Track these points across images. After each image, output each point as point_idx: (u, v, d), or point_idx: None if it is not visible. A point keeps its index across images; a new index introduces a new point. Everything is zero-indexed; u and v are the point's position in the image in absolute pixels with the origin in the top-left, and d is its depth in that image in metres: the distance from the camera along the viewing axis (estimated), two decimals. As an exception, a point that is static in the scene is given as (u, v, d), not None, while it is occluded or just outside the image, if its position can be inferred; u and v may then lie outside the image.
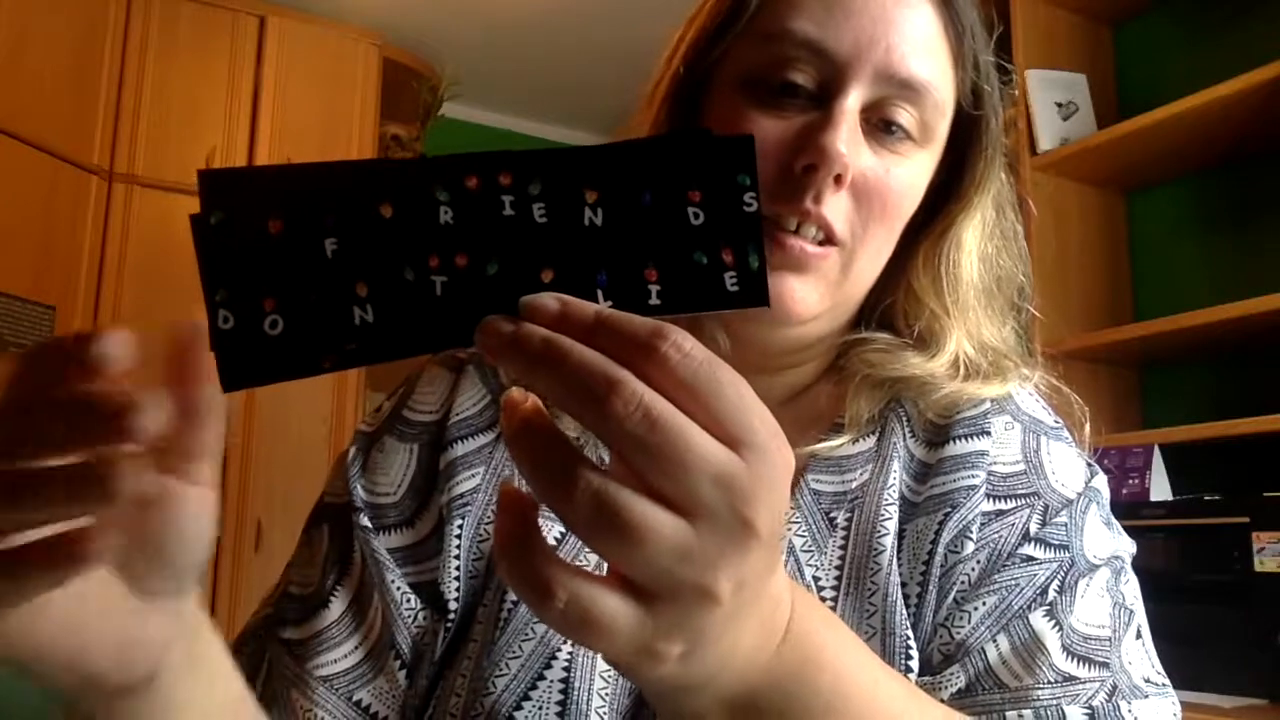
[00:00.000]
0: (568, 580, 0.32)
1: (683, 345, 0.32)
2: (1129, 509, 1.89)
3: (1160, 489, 1.93)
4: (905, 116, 0.57)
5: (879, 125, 0.57)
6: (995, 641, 0.54)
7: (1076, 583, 0.56)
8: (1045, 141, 2.20)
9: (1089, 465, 0.64)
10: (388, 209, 0.35)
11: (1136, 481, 1.93)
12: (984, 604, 0.55)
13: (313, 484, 2.77)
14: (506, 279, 0.35)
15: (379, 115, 3.38)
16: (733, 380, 0.33)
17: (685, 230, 0.35)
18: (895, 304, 0.63)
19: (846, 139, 0.54)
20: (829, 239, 0.56)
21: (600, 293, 0.35)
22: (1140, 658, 0.56)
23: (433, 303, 0.34)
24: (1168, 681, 0.57)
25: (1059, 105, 2.24)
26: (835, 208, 0.55)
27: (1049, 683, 0.53)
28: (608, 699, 0.55)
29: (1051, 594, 0.56)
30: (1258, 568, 1.66)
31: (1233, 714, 1.58)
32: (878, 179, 0.57)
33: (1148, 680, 0.55)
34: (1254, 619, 1.67)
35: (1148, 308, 2.25)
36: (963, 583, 0.56)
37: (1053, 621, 0.55)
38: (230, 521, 2.95)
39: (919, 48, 0.57)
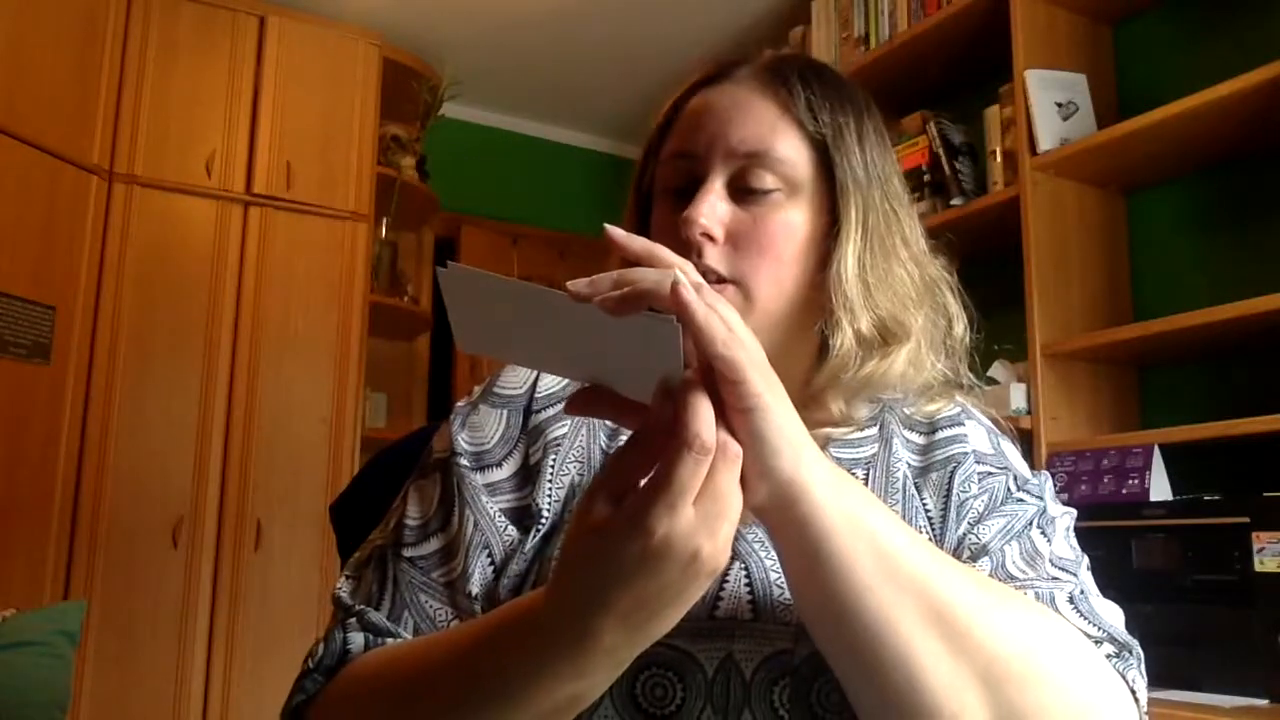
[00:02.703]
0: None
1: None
2: (1129, 509, 1.89)
3: (1160, 489, 1.92)
4: (762, 178, 0.76)
5: (745, 192, 0.76)
6: (1010, 547, 0.74)
7: (1054, 522, 0.77)
8: (1045, 141, 2.20)
9: (1028, 456, 0.84)
10: None
11: (1136, 481, 1.93)
12: (996, 523, 0.76)
13: (313, 484, 2.79)
14: None
15: (379, 115, 3.38)
16: None
17: None
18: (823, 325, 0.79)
19: (704, 209, 0.74)
20: (721, 279, 0.74)
21: None
22: (1091, 583, 0.75)
23: None
24: (1099, 595, 0.75)
25: (1059, 105, 2.24)
26: (714, 256, 0.74)
27: (1043, 579, 0.72)
28: None
29: (1039, 524, 0.76)
30: (1258, 568, 1.66)
31: (1233, 714, 1.58)
32: (747, 227, 0.75)
33: (1100, 595, 0.74)
34: (1254, 619, 1.67)
35: (1147, 308, 2.26)
36: (973, 512, 0.77)
37: (1045, 541, 0.75)
38: (230, 521, 2.95)
39: (754, 128, 0.76)
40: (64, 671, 2.06)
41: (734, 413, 0.52)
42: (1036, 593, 0.71)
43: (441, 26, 3.56)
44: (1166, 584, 1.79)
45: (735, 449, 0.51)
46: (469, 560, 0.74)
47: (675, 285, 0.50)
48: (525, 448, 0.79)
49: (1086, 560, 0.77)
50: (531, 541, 0.75)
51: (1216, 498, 1.79)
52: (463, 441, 0.79)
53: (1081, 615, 0.70)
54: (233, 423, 2.99)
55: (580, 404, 0.55)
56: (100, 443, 2.81)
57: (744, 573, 0.72)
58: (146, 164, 3.00)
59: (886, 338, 0.76)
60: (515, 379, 0.83)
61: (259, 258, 3.10)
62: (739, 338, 0.51)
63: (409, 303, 3.57)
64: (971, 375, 0.84)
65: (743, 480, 0.52)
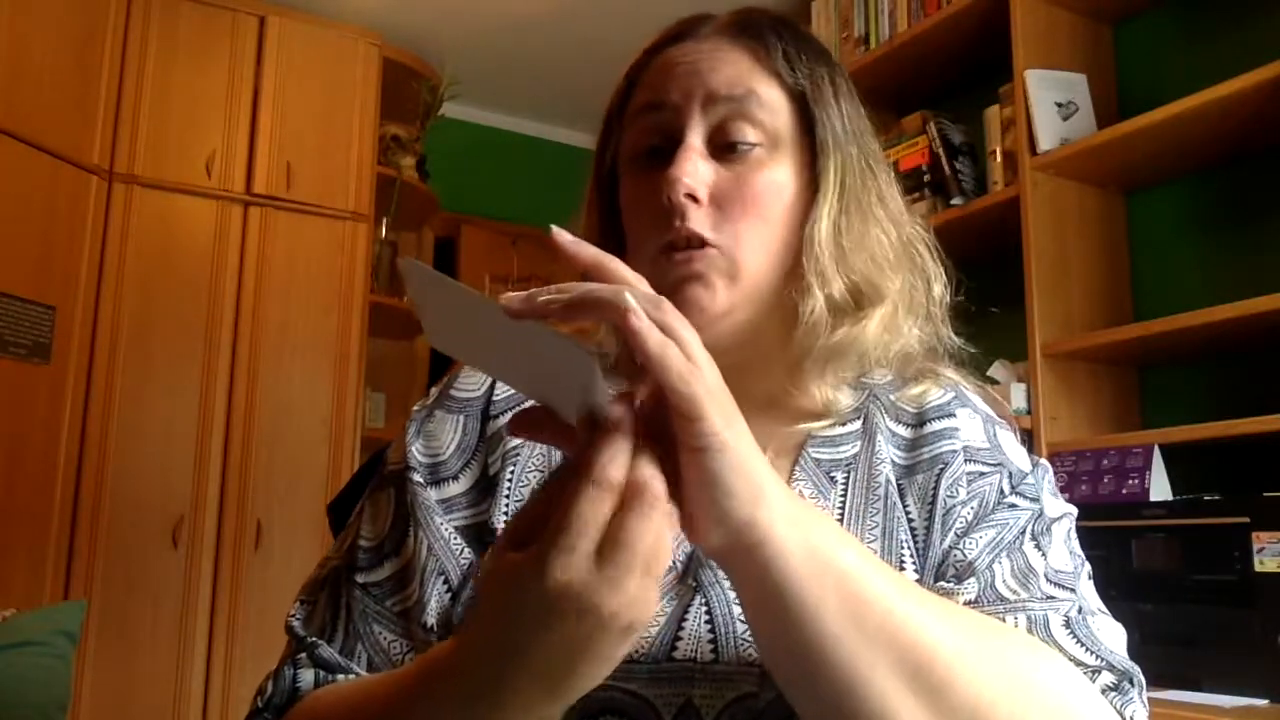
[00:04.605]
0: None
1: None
2: (1129, 509, 1.89)
3: (1160, 489, 1.92)
4: (744, 130, 0.71)
5: (726, 148, 0.71)
6: (1000, 564, 0.68)
7: (1051, 528, 0.71)
8: (1045, 141, 2.20)
9: (1028, 452, 0.78)
10: None
11: (1136, 481, 1.93)
12: (984, 536, 0.69)
13: (313, 484, 2.79)
14: None
15: (379, 115, 3.38)
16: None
17: None
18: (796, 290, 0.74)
19: (686, 167, 0.68)
20: (703, 244, 0.69)
21: None
22: (1092, 593, 0.70)
23: None
24: (1105, 610, 0.70)
25: (1059, 105, 2.24)
26: (699, 220, 0.69)
27: (1037, 599, 0.66)
28: None
29: (1034, 533, 0.70)
30: (1258, 568, 1.66)
31: (1233, 714, 1.58)
32: (731, 187, 0.70)
33: (1100, 610, 0.69)
34: (1254, 619, 1.67)
35: (1147, 308, 2.25)
36: (961, 522, 0.70)
37: (1040, 554, 0.69)
38: (230, 521, 2.95)
39: (732, 73, 0.72)
40: (64, 671, 2.06)
41: (687, 450, 0.47)
42: (1030, 616, 0.65)
43: (441, 26, 3.56)
44: (1166, 584, 1.79)
45: (656, 492, 0.45)
46: (424, 588, 0.69)
47: (625, 312, 0.45)
48: (484, 457, 0.73)
49: (1087, 568, 0.72)
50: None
51: (1216, 498, 1.79)
52: (417, 453, 0.74)
53: (1078, 641, 0.65)
54: (233, 423, 2.99)
55: (521, 425, 0.51)
56: (100, 443, 2.81)
57: (704, 609, 0.66)
58: (146, 164, 3.00)
59: (860, 302, 0.71)
60: (472, 382, 0.78)
61: (259, 258, 3.10)
62: (698, 369, 0.46)
63: (409, 303, 3.57)
64: (957, 339, 0.79)
65: (696, 524, 0.49)
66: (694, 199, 0.69)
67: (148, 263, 2.96)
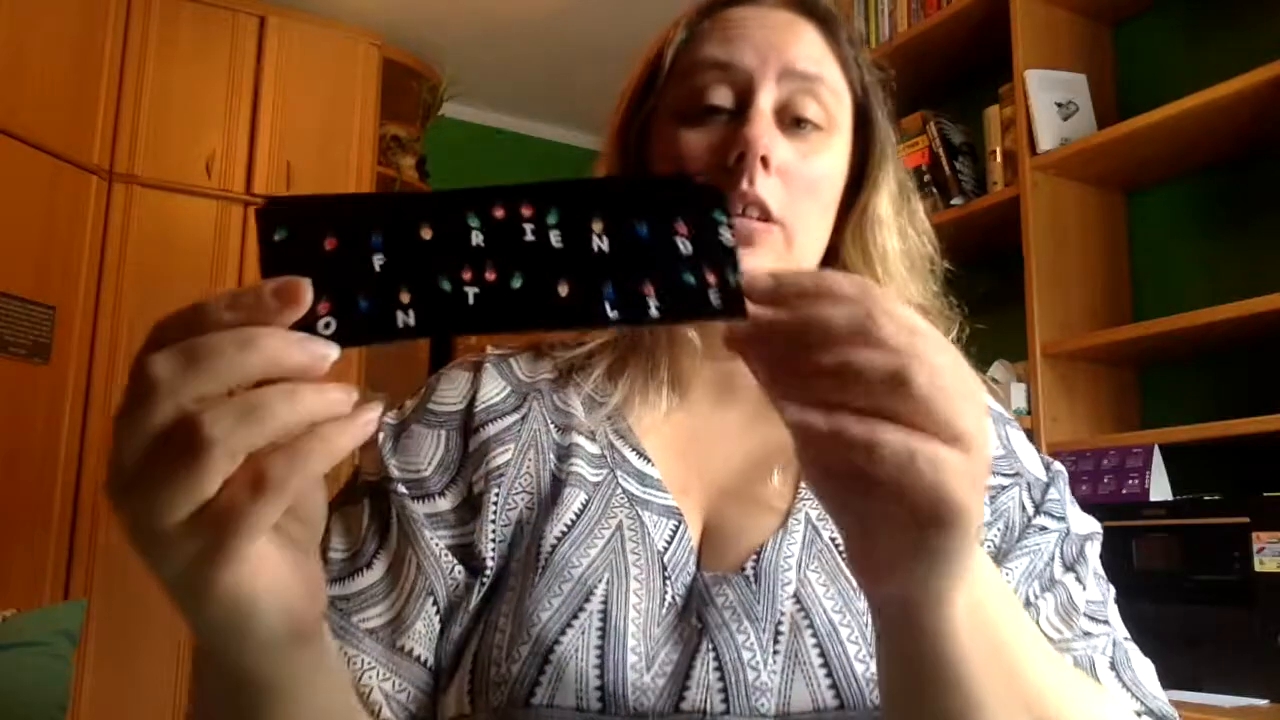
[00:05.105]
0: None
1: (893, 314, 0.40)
2: (1129, 509, 1.89)
3: (1160, 489, 1.92)
4: (811, 108, 0.68)
5: (791, 123, 0.68)
6: (1044, 600, 0.65)
7: (1084, 551, 0.68)
8: (1045, 141, 2.20)
9: (1039, 451, 0.75)
10: (427, 231, 0.41)
11: (1136, 481, 1.93)
12: (1019, 565, 0.66)
13: (313, 484, 2.73)
14: (529, 290, 0.41)
15: (379, 115, 3.38)
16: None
17: (675, 256, 0.43)
18: None
19: (764, 129, 0.65)
20: (766, 217, 0.65)
21: (608, 304, 0.42)
22: (1117, 619, 0.68)
23: (465, 310, 0.41)
24: (1129, 636, 0.68)
25: (1059, 105, 2.24)
26: (767, 189, 0.65)
27: (1079, 637, 0.64)
28: (639, 624, 0.61)
29: (1067, 560, 0.67)
30: (1258, 568, 1.66)
31: (1233, 714, 1.58)
32: (797, 164, 0.67)
33: (1126, 638, 0.67)
34: (1254, 619, 1.67)
35: (1147, 308, 2.25)
36: (989, 545, 0.67)
37: (1079, 585, 0.66)
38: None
39: (809, 50, 0.69)
40: (64, 672, 2.06)
41: (912, 512, 0.39)
42: (1075, 658, 0.63)
43: (441, 26, 3.56)
44: (1166, 584, 1.79)
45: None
46: (408, 608, 0.63)
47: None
48: (469, 474, 0.67)
49: (1112, 590, 0.69)
50: (475, 598, 0.63)
51: (1216, 498, 1.79)
52: (394, 467, 0.67)
53: (1124, 685, 0.63)
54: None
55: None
56: (100, 443, 2.81)
57: (712, 654, 0.60)
58: (146, 164, 3.00)
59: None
60: (452, 392, 0.71)
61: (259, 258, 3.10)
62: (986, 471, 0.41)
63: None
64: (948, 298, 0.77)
65: (878, 571, 0.43)
66: (765, 165, 0.65)
67: (148, 263, 2.96)
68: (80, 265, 2.85)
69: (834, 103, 0.69)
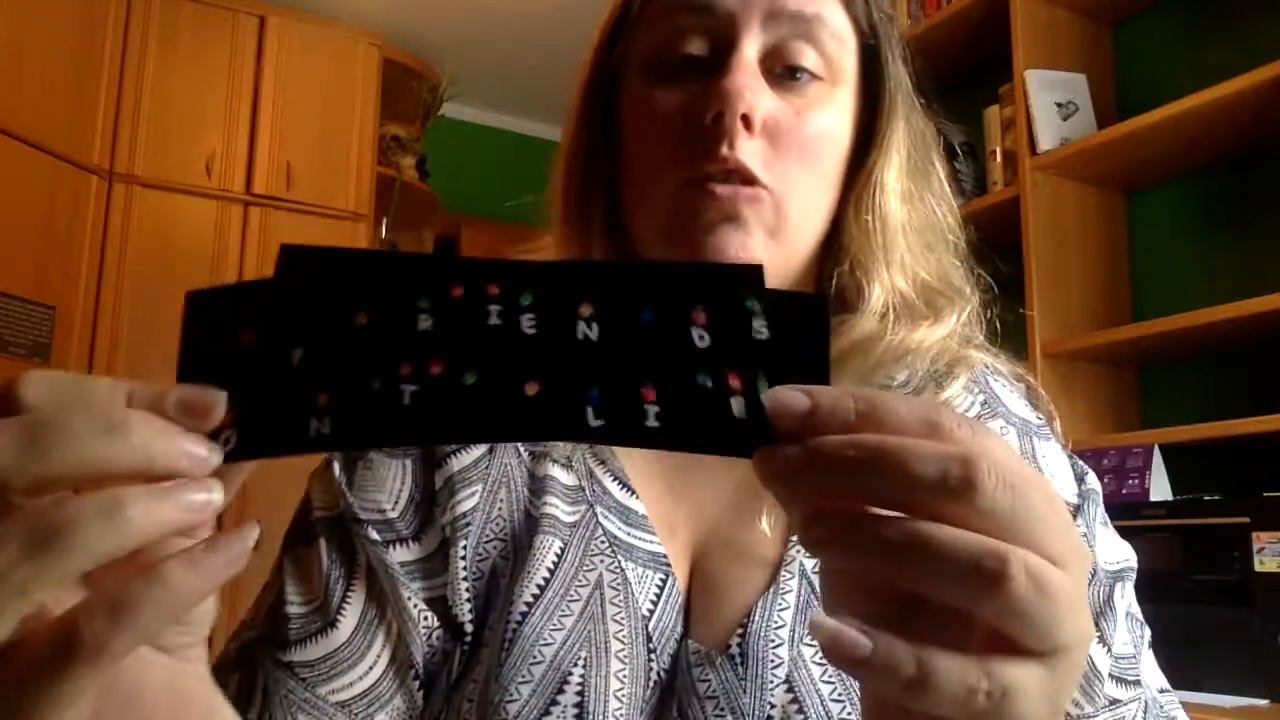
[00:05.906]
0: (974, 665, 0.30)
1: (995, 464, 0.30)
2: (1129, 509, 1.89)
3: (1160, 489, 1.93)
4: (808, 55, 0.57)
5: (783, 74, 0.57)
6: None
7: (1111, 599, 0.58)
8: (1045, 141, 2.20)
9: (1073, 462, 0.64)
10: (362, 317, 0.34)
11: (1136, 481, 1.93)
12: None
13: (312, 484, 2.67)
14: (485, 389, 0.33)
15: (379, 115, 3.38)
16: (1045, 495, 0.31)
17: (689, 352, 0.33)
18: (842, 273, 0.61)
19: (745, 81, 0.54)
20: (751, 182, 0.55)
21: (591, 410, 0.33)
22: (1153, 669, 0.59)
23: (398, 411, 0.33)
24: (1168, 685, 0.60)
25: (1059, 105, 2.24)
26: (750, 152, 0.54)
27: (1103, 707, 0.56)
28: (621, 716, 0.54)
29: (1097, 604, 0.58)
30: (1258, 568, 1.66)
31: (1233, 714, 1.58)
32: (789, 121, 0.56)
33: (1162, 690, 0.59)
34: (1254, 619, 1.67)
35: (1147, 308, 2.25)
36: None
37: (1104, 649, 0.57)
38: (230, 522, 2.93)
39: None
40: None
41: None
42: None
43: (441, 26, 3.56)
44: (1166, 584, 1.79)
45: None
46: (384, 681, 0.55)
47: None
48: (438, 519, 0.57)
49: (1148, 633, 0.60)
50: (456, 666, 0.55)
51: (1216, 498, 1.79)
52: (356, 504, 0.58)
53: None
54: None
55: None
56: (100, 443, 2.81)
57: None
58: (146, 164, 3.00)
59: (932, 300, 0.59)
60: None
61: (259, 258, 3.10)
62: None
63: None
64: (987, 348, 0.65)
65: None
66: (748, 124, 0.54)
67: (148, 263, 2.96)
68: (80, 265, 2.85)
69: (836, 48, 0.58)
